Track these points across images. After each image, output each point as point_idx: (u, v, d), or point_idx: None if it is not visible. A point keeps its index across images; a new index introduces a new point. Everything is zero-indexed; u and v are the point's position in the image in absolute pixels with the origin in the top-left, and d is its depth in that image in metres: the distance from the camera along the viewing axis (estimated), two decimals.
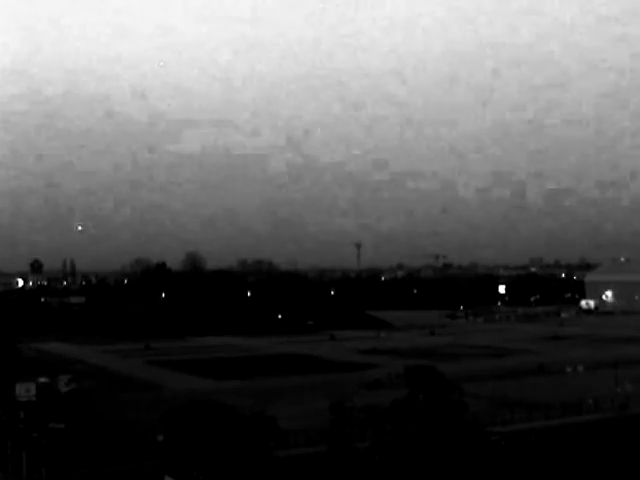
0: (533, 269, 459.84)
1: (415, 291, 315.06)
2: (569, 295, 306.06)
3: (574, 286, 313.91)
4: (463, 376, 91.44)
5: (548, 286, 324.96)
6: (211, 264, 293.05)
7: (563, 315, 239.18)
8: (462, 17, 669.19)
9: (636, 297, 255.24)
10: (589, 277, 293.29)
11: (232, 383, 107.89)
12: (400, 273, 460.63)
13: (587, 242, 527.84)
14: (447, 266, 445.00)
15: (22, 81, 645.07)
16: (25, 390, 70.34)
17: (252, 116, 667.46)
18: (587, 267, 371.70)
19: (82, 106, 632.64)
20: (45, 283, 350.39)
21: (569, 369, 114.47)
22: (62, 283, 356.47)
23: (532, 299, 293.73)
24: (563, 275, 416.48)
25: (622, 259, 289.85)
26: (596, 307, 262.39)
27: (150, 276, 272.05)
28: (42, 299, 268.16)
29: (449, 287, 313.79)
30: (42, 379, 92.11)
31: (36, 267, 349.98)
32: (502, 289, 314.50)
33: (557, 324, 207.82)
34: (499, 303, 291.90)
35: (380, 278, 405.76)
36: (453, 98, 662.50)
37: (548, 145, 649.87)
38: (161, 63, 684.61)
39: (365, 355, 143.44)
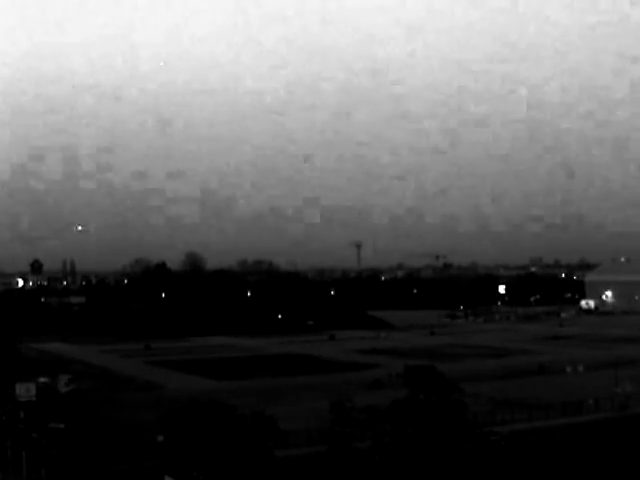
0: (533, 269, 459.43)
1: (415, 291, 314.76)
2: (569, 295, 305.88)
3: (574, 286, 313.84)
4: (463, 376, 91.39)
5: (548, 286, 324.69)
6: (211, 264, 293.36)
7: (563, 315, 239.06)
8: None
9: (636, 297, 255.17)
10: (589, 277, 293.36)
11: (232, 383, 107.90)
12: (400, 273, 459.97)
13: (587, 242, 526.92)
14: (447, 266, 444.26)
15: (27, 79, 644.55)
16: (25, 390, 70.26)
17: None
18: (587, 267, 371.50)
19: (80, 106, 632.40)
20: (45, 283, 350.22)
21: (569, 369, 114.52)
22: (62, 283, 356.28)
23: (532, 299, 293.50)
24: (563, 275, 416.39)
25: (622, 259, 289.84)
26: (596, 307, 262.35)
27: (150, 276, 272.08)
28: (42, 299, 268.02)
29: (449, 287, 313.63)
30: (42, 379, 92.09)
31: (36, 267, 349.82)
32: (502, 289, 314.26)
33: (557, 324, 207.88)
34: (499, 303, 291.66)
35: (380, 278, 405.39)
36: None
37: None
38: (161, 63, 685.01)
39: (365, 355, 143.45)
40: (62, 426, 66.94)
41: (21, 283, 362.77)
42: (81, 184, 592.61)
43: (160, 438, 56.69)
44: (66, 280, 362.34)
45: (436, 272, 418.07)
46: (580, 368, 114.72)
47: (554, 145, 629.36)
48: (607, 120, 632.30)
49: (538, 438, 68.20)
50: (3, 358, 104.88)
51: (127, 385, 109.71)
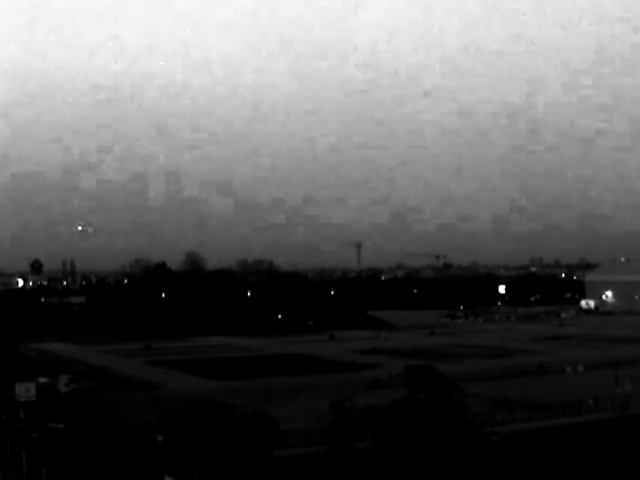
0: (533, 269, 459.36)
1: (415, 291, 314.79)
2: (569, 295, 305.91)
3: (574, 286, 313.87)
4: (463, 376, 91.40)
5: (548, 286, 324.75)
6: (211, 264, 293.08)
7: (563, 315, 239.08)
8: None
9: (636, 297, 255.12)
10: (589, 277, 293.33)
11: (232, 383, 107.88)
12: (400, 273, 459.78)
13: (587, 242, 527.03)
14: (447, 266, 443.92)
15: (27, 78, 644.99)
16: (25, 390, 70.34)
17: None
18: (587, 267, 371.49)
19: (80, 106, 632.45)
20: (45, 283, 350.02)
21: (569, 369, 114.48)
22: (62, 283, 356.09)
23: (532, 299, 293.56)
24: (563, 275, 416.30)
25: (622, 259, 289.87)
26: (596, 307, 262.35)
27: (150, 276, 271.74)
28: (42, 299, 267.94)
29: (449, 287, 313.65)
30: (42, 379, 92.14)
31: (36, 267, 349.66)
32: (502, 289, 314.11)
33: (557, 324, 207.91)
34: (499, 303, 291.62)
35: (380, 278, 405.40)
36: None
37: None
38: (161, 63, 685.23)
39: (365, 355, 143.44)
40: (62, 426, 67.00)
41: (21, 283, 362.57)
42: (81, 184, 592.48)
43: (160, 438, 56.69)
44: (66, 280, 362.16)
45: (436, 272, 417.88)
46: (580, 368, 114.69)
47: (554, 144, 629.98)
48: (606, 120, 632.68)
49: (538, 438, 68.23)
50: (3, 358, 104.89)
51: (127, 385, 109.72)
